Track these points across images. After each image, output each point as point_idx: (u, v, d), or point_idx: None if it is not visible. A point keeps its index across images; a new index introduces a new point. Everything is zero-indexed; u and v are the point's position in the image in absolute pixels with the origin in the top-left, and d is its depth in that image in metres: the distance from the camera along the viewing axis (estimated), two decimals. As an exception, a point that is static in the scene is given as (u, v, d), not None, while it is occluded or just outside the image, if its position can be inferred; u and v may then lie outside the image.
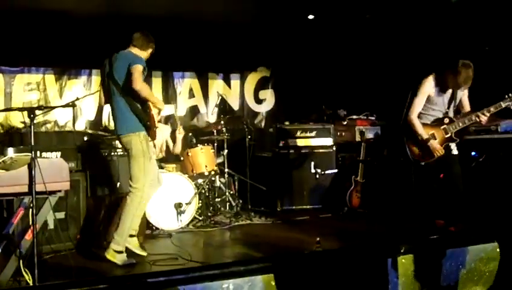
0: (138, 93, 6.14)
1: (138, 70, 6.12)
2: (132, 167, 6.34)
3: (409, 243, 5.05)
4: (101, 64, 9.94)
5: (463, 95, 6.88)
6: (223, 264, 5.01)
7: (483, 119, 6.59)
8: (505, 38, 8.59)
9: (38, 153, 6.24)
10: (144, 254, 6.58)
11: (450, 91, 6.75)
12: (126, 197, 6.39)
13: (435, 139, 6.66)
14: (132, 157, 6.32)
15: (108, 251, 6.22)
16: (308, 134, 10.04)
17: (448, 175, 6.75)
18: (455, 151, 6.74)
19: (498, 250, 5.18)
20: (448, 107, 6.82)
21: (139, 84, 6.09)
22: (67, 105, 7.28)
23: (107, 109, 10.32)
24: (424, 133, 6.64)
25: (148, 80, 10.68)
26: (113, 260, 6.18)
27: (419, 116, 6.74)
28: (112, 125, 10.22)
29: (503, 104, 6.52)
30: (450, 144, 6.71)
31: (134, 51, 6.50)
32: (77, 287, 4.10)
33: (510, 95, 6.51)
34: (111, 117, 10.14)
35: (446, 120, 6.70)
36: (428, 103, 6.70)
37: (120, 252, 6.24)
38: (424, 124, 6.72)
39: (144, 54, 6.55)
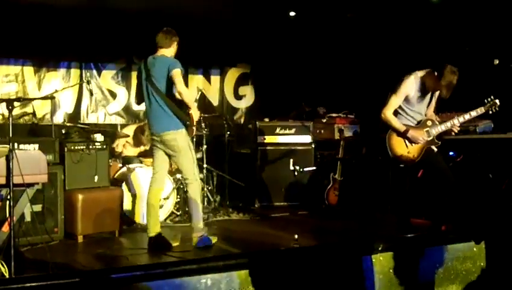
0: (181, 96, 6.59)
1: (179, 74, 6.56)
2: (182, 162, 6.77)
3: (386, 241, 5.07)
4: (80, 57, 9.96)
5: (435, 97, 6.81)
6: (201, 259, 5.01)
7: (455, 129, 6.62)
8: (486, 39, 8.65)
9: (15, 145, 6.18)
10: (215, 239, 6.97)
11: (429, 93, 6.68)
12: (186, 191, 7.00)
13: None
14: (179, 153, 6.71)
15: (195, 241, 6.75)
16: (287, 131, 10.07)
17: (437, 171, 6.66)
18: (435, 149, 6.70)
19: (475, 249, 5.23)
20: (427, 109, 6.79)
21: (182, 88, 6.55)
22: (46, 97, 7.27)
23: (85, 102, 10.31)
24: (400, 126, 6.54)
25: (127, 74, 10.65)
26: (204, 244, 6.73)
27: (398, 117, 6.65)
28: (90, 119, 10.28)
29: (484, 109, 6.52)
30: (432, 146, 6.65)
31: (165, 52, 6.81)
32: (53, 280, 4.08)
33: (489, 100, 6.51)
34: (89, 110, 10.31)
35: (429, 123, 6.63)
36: (407, 103, 6.57)
37: (202, 235, 6.77)
38: (405, 126, 6.56)
39: (173, 50, 6.88)
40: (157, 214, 6.88)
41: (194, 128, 6.87)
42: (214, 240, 6.92)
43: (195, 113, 6.74)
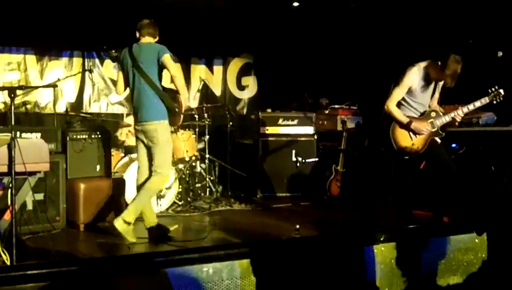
0: (174, 80, 6.49)
1: (170, 59, 6.48)
2: (157, 155, 6.53)
3: (388, 232, 5.08)
4: (83, 45, 9.93)
5: (438, 88, 6.78)
6: (203, 248, 5.02)
7: (458, 118, 6.57)
8: (489, 31, 8.62)
9: (18, 133, 6.18)
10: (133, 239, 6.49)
11: (432, 83, 6.64)
12: (148, 179, 6.57)
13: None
14: (157, 145, 6.50)
15: (118, 219, 6.34)
16: (289, 122, 10.05)
17: (440, 163, 6.63)
18: (439, 141, 6.68)
19: (477, 241, 5.23)
20: (431, 100, 6.76)
21: (176, 72, 6.54)
22: (48, 85, 7.26)
23: (87, 91, 10.31)
24: (404, 118, 6.50)
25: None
26: (120, 229, 6.31)
27: (401, 108, 6.62)
28: (92, 108, 10.28)
29: (488, 99, 6.48)
30: (436, 138, 6.62)
31: (151, 40, 6.71)
32: (55, 267, 4.08)
33: (493, 89, 6.48)
34: (92, 99, 10.31)
35: (433, 114, 6.59)
36: (410, 95, 6.53)
37: (129, 223, 6.37)
38: (409, 117, 6.51)
39: (156, 41, 6.79)
40: (150, 205, 6.84)
41: (182, 115, 6.77)
42: (133, 239, 6.45)
43: (184, 100, 6.66)
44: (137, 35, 6.70)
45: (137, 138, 6.74)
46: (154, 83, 6.49)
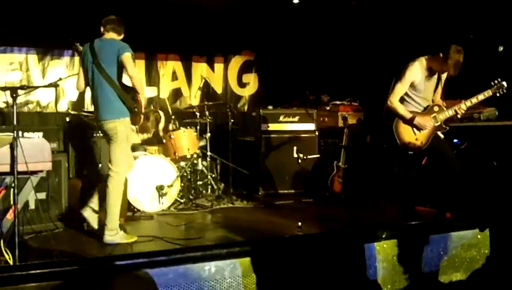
0: (131, 80, 6.35)
1: (129, 58, 6.30)
2: (114, 151, 6.44)
3: (390, 228, 5.07)
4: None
5: (441, 82, 6.78)
6: (205, 247, 5.02)
7: (461, 112, 6.56)
8: (490, 26, 8.61)
9: (20, 133, 6.18)
10: (133, 239, 6.50)
11: (435, 77, 6.64)
12: (106, 184, 6.44)
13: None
14: (115, 143, 6.40)
15: (104, 236, 6.33)
16: (291, 119, 10.04)
17: (443, 159, 6.64)
18: (442, 136, 6.69)
19: (479, 237, 5.22)
20: (433, 94, 6.77)
21: (133, 72, 6.35)
22: (49, 85, 7.26)
23: (89, 91, 10.28)
24: (407, 113, 6.51)
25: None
26: (112, 240, 6.30)
27: (404, 103, 6.63)
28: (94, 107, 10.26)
29: (491, 92, 6.48)
30: (439, 132, 6.63)
31: (115, 37, 6.57)
32: (57, 267, 4.09)
33: (496, 82, 6.48)
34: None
35: (436, 108, 6.60)
36: (413, 90, 6.53)
37: (116, 233, 6.35)
38: (412, 113, 6.55)
39: (120, 38, 6.64)
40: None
41: (142, 116, 6.61)
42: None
43: (143, 99, 6.54)
44: (101, 30, 6.60)
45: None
46: (113, 81, 6.34)
